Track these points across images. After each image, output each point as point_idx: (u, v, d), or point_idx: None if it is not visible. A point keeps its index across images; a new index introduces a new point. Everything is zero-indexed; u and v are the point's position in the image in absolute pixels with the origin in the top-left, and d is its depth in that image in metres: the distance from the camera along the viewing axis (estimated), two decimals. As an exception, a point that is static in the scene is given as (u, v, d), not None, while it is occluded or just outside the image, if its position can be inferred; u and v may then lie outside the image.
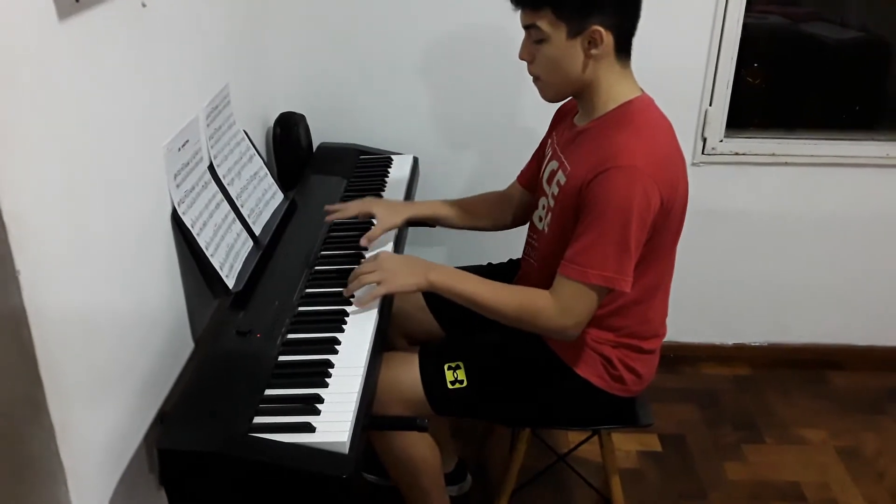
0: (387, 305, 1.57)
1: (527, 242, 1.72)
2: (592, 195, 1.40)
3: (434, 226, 1.86)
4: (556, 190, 1.54)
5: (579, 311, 1.44)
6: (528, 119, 2.27)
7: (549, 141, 1.69)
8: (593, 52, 1.44)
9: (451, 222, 1.85)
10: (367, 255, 1.68)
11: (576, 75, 1.47)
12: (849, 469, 2.20)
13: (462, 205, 1.86)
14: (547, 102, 1.58)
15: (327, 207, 1.79)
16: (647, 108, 1.50)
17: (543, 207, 1.61)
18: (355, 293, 1.52)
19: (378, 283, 1.49)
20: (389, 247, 1.73)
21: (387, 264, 1.52)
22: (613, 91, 1.49)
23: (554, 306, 1.44)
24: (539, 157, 1.77)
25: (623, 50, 1.47)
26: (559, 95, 1.57)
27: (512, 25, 1.52)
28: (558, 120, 1.71)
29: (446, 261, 2.38)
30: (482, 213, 1.86)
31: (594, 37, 1.42)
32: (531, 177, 1.79)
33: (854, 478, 2.16)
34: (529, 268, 1.68)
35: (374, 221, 1.74)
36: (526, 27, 1.48)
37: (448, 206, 1.85)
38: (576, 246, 1.42)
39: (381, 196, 1.99)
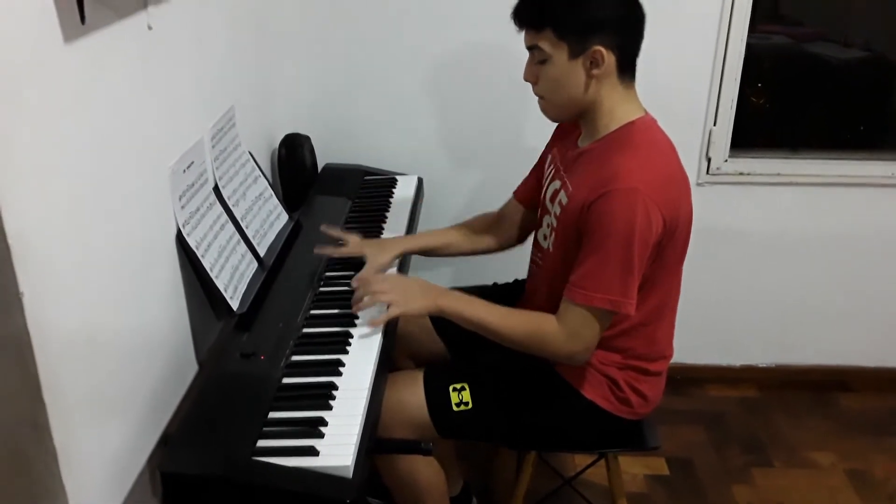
0: (392, 327, 1.56)
1: (531, 261, 1.72)
2: (594, 218, 1.39)
3: (431, 255, 1.85)
4: (558, 210, 1.54)
5: (586, 336, 1.44)
6: (531, 139, 2.26)
7: (549, 157, 1.69)
8: (595, 72, 1.44)
9: (449, 250, 1.84)
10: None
11: (578, 95, 1.47)
12: (858, 492, 2.17)
13: (457, 230, 1.86)
14: (548, 121, 1.58)
15: (324, 233, 1.77)
16: (649, 128, 1.50)
17: (548, 226, 1.61)
18: (364, 308, 1.52)
19: (390, 304, 1.49)
20: (394, 270, 1.72)
21: (399, 286, 1.53)
22: (616, 112, 1.49)
23: (561, 332, 1.44)
24: (538, 173, 1.77)
25: (626, 70, 1.47)
26: (562, 116, 1.57)
27: (515, 46, 1.53)
28: (559, 137, 1.71)
29: (451, 281, 2.37)
30: (480, 234, 1.86)
31: (595, 57, 1.42)
32: (529, 193, 1.79)
33: (864, 501, 2.14)
34: (534, 287, 1.68)
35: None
36: (529, 48, 1.49)
37: (442, 234, 1.85)
38: (579, 270, 1.42)
39: (385, 217, 1.99)
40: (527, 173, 1.84)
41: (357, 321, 1.53)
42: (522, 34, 1.50)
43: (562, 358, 1.51)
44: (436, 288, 1.55)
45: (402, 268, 1.78)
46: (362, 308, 1.51)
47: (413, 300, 1.51)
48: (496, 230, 1.86)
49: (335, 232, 1.79)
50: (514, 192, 1.85)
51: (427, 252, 1.84)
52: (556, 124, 1.70)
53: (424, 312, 1.53)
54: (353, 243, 1.76)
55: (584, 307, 1.41)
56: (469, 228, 1.87)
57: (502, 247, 1.87)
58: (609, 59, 1.43)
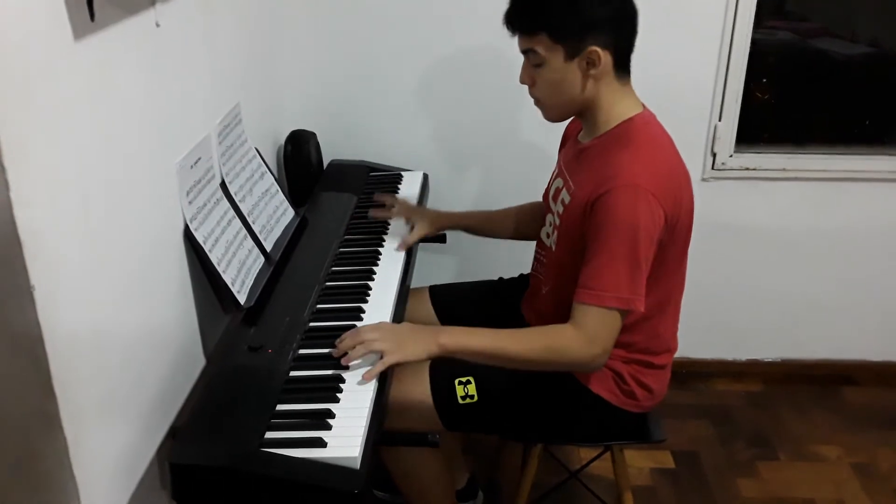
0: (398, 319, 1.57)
1: (535, 258, 1.73)
2: (597, 216, 1.40)
3: (444, 241, 1.88)
4: (560, 208, 1.55)
5: (604, 336, 1.40)
6: (535, 135, 2.27)
7: (559, 156, 1.70)
8: (592, 72, 1.44)
9: (493, 233, 1.92)
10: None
11: (576, 96, 1.48)
12: (864, 485, 2.17)
13: (507, 215, 1.92)
14: (548, 122, 1.59)
15: (377, 200, 1.93)
16: (648, 124, 1.51)
17: (550, 225, 1.61)
18: (354, 359, 1.38)
19: (384, 353, 1.37)
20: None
21: (390, 334, 1.41)
22: (614, 109, 1.49)
23: (579, 337, 1.40)
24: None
25: (622, 67, 1.48)
26: (561, 116, 1.58)
27: (515, 47, 1.53)
28: (566, 138, 1.73)
29: (456, 277, 2.39)
30: (527, 221, 1.88)
31: (592, 57, 1.43)
32: None
33: (869, 494, 2.14)
34: (538, 283, 1.68)
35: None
36: (524, 52, 1.49)
37: (490, 217, 1.93)
38: (587, 271, 1.41)
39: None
40: (530, 168, 1.87)
41: (363, 315, 1.54)
42: (516, 38, 1.50)
43: (583, 365, 1.45)
44: (431, 329, 1.46)
45: (408, 263, 1.79)
46: (353, 359, 1.37)
47: (408, 346, 1.39)
48: (540, 220, 1.87)
49: (387, 199, 1.91)
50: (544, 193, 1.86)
51: (473, 230, 1.90)
52: (563, 124, 1.71)
53: (425, 356, 1.41)
54: (401, 207, 1.87)
55: (597, 307, 1.39)
56: (517, 214, 1.90)
57: (528, 238, 1.88)
58: (605, 58, 1.43)
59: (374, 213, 1.90)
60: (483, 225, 1.92)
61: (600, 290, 1.39)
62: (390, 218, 1.88)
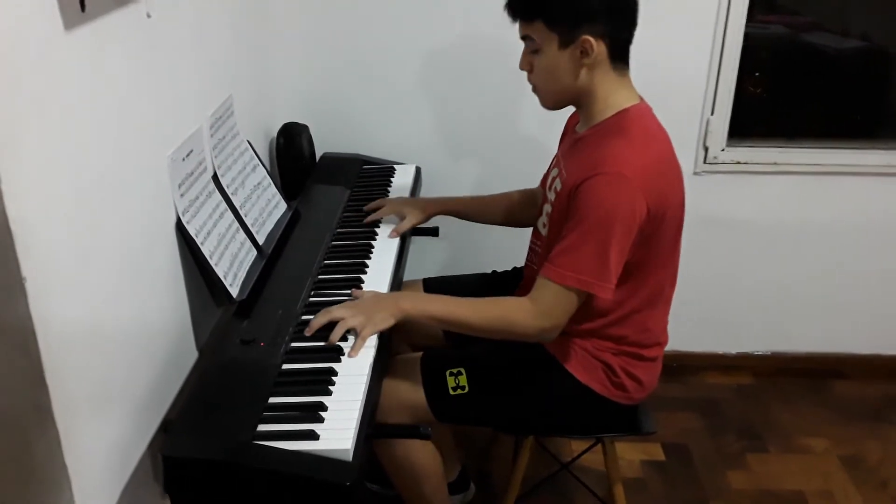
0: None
1: (530, 248, 1.74)
2: (578, 200, 1.41)
3: (437, 235, 1.88)
4: (553, 196, 1.56)
5: (557, 313, 1.45)
6: (529, 127, 2.28)
7: (559, 147, 1.71)
8: (585, 61, 1.45)
9: (484, 218, 1.93)
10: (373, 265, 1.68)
11: (570, 84, 1.49)
12: (852, 478, 2.19)
13: (498, 201, 1.92)
14: (546, 111, 1.59)
15: (369, 207, 1.92)
16: (643, 116, 1.51)
17: (546, 214, 1.62)
18: (334, 341, 1.43)
19: (360, 328, 1.43)
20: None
21: (357, 307, 1.47)
22: (610, 99, 1.50)
23: (531, 309, 1.45)
24: None
25: (619, 58, 1.48)
26: (557, 104, 1.58)
27: (512, 36, 1.53)
28: (568, 127, 1.73)
29: (450, 269, 2.39)
30: (518, 208, 1.90)
31: (585, 46, 1.43)
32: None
33: (857, 486, 2.16)
34: (531, 273, 1.69)
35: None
36: (523, 38, 1.51)
37: (480, 201, 1.93)
38: (557, 248, 1.43)
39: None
40: (524, 160, 1.88)
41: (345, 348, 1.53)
42: (516, 25, 1.51)
43: (530, 336, 1.49)
44: (393, 295, 1.55)
45: (402, 253, 1.79)
46: (334, 341, 1.41)
47: (376, 316, 1.45)
48: (520, 209, 1.88)
49: (373, 204, 1.91)
50: (541, 181, 1.86)
51: (463, 216, 1.90)
52: (552, 112, 1.70)
53: (391, 322, 1.46)
54: (392, 203, 1.88)
55: (557, 284, 1.42)
56: (508, 201, 1.91)
57: (522, 224, 1.89)
58: (599, 47, 1.44)
59: (368, 220, 1.89)
60: (473, 210, 1.93)
61: (564, 268, 1.41)
62: (382, 218, 1.87)
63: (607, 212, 1.38)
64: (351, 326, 1.43)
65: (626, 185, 1.38)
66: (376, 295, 1.55)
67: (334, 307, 1.47)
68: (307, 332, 1.44)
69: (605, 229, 1.38)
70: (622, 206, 1.38)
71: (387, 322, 1.46)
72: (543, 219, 1.64)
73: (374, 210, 1.90)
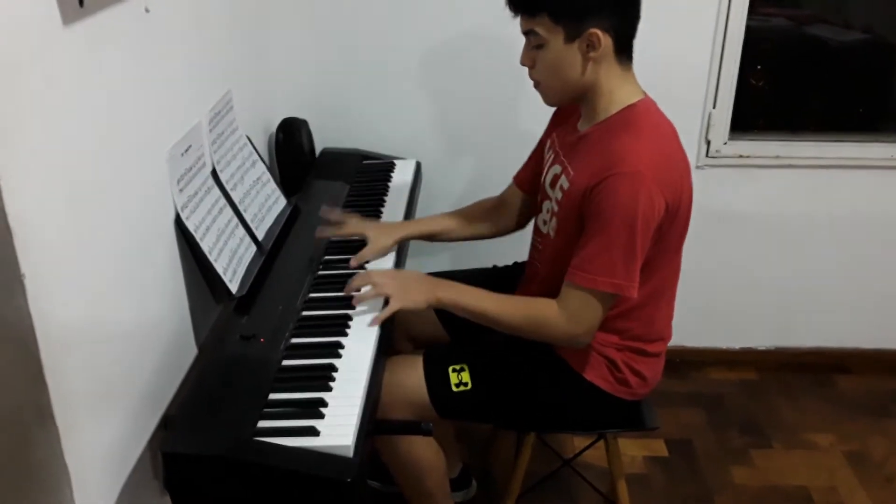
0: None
1: (532, 246, 1.72)
2: (597, 201, 1.40)
3: (432, 241, 1.86)
4: (559, 195, 1.54)
5: (589, 318, 1.44)
6: (530, 122, 2.24)
7: (549, 142, 1.69)
8: (592, 55, 1.44)
9: (449, 235, 1.84)
10: (369, 266, 1.66)
11: (576, 79, 1.47)
12: (856, 473, 2.18)
13: (458, 216, 1.85)
14: (547, 106, 1.58)
15: (323, 216, 1.77)
16: (650, 111, 1.50)
17: (548, 212, 1.61)
18: (364, 303, 1.51)
19: (389, 298, 1.49)
20: (391, 261, 1.70)
21: (398, 280, 1.54)
22: (615, 95, 1.49)
23: (562, 315, 1.45)
24: (538, 158, 1.76)
25: (623, 52, 1.47)
26: (561, 100, 1.57)
27: (512, 31, 1.52)
28: (558, 122, 1.71)
29: (451, 265, 2.38)
30: (480, 220, 1.85)
31: (592, 40, 1.42)
32: (529, 178, 1.79)
33: (862, 482, 2.15)
34: (534, 271, 1.68)
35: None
36: (525, 33, 1.49)
37: (443, 219, 1.84)
38: (583, 254, 1.42)
39: (383, 201, 1.99)
40: (525, 157, 1.84)
41: (358, 308, 1.53)
42: (518, 19, 1.49)
43: (562, 341, 1.51)
44: (433, 280, 1.56)
45: (401, 253, 1.78)
46: (361, 300, 1.50)
47: (412, 293, 1.50)
48: (495, 216, 1.86)
49: (334, 214, 1.79)
50: (514, 177, 1.85)
51: (428, 237, 1.84)
52: (553, 109, 1.70)
53: (424, 305, 1.51)
54: (354, 223, 1.76)
55: (587, 290, 1.41)
56: (469, 214, 1.86)
57: (501, 232, 1.86)
58: (605, 41, 1.42)
59: (319, 232, 1.74)
60: (440, 229, 1.83)
61: (595, 273, 1.40)
62: (339, 235, 1.74)
63: (629, 212, 1.37)
64: (383, 294, 1.49)
65: (645, 183, 1.37)
66: (419, 274, 1.59)
67: (375, 272, 1.55)
68: (346, 292, 1.52)
69: (629, 230, 1.37)
70: (643, 204, 1.37)
71: (418, 305, 1.50)
72: (544, 216, 1.63)
73: (331, 223, 1.76)
